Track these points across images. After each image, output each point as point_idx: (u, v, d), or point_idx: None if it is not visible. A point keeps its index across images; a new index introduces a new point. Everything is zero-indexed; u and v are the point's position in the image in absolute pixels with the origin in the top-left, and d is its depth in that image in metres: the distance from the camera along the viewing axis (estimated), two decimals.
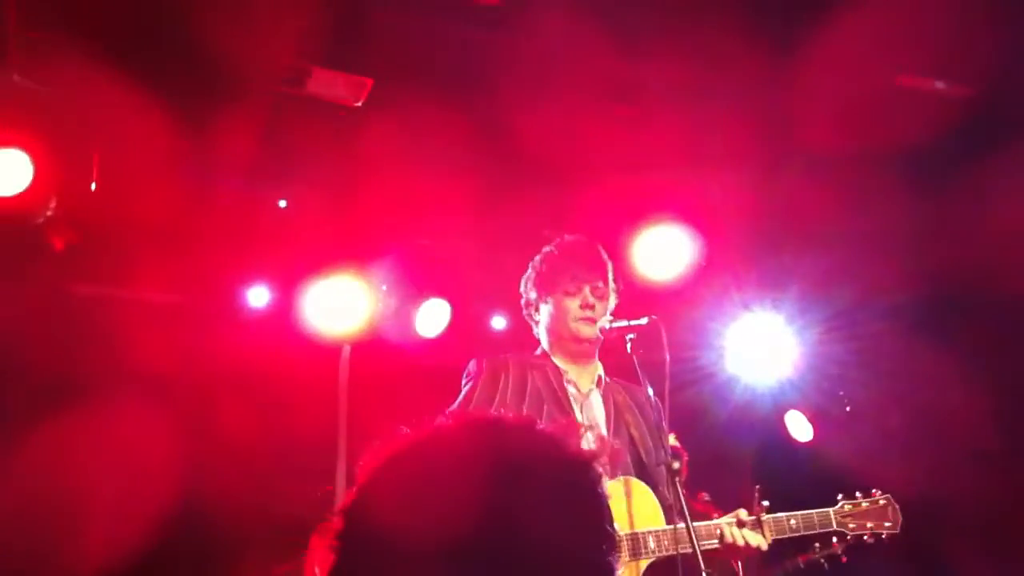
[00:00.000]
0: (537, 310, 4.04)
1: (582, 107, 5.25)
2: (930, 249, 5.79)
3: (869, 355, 6.36)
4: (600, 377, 4.00)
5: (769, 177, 5.83)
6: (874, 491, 4.00)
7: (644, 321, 3.72)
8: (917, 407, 6.29)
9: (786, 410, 6.89)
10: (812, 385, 6.70)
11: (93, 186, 5.09)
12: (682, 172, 5.79)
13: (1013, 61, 5.02)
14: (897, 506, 3.99)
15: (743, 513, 3.76)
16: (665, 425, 3.73)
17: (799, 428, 6.87)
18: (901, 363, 6.20)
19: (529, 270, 4.12)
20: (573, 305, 3.91)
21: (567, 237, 4.14)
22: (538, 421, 1.50)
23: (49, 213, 5.04)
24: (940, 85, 5.20)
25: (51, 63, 4.50)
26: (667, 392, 3.69)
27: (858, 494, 3.97)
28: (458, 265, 6.65)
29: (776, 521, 3.78)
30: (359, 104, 5.20)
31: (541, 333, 4.05)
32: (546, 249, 4.11)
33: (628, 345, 3.71)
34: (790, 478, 6.87)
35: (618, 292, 4.07)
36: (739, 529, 3.71)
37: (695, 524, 3.44)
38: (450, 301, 6.66)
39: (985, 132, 5.31)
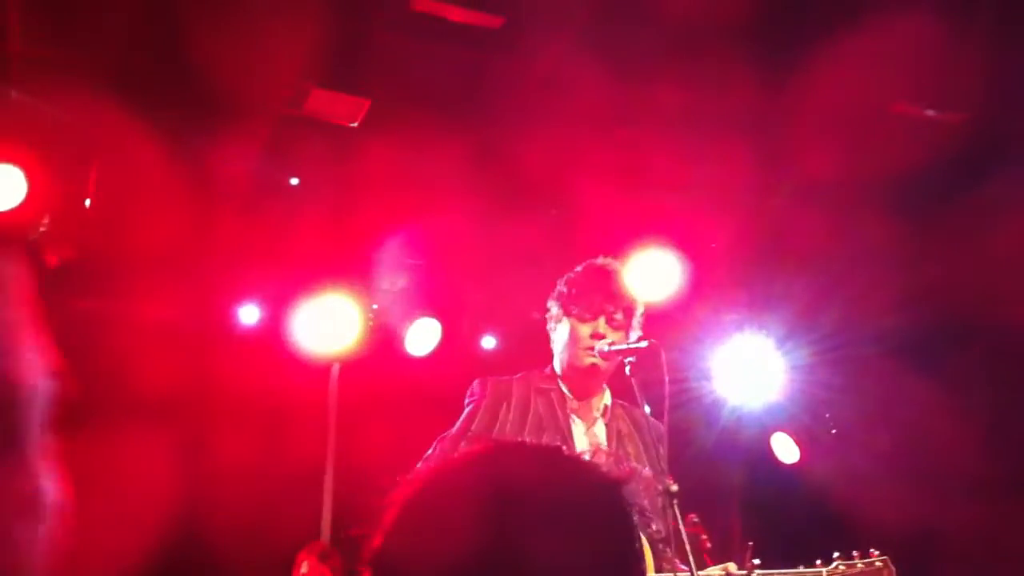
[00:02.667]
0: (556, 329, 3.95)
1: (578, 130, 5.27)
2: (919, 275, 5.85)
3: (856, 378, 6.41)
4: (606, 407, 3.93)
5: (762, 201, 5.88)
6: (872, 551, 3.86)
7: (643, 344, 3.66)
8: (903, 431, 6.33)
9: (773, 432, 6.94)
10: (799, 407, 6.75)
11: (88, 202, 5.09)
12: (675, 195, 5.83)
13: (1005, 88, 5.09)
14: (893, 569, 3.87)
15: (732, 567, 3.65)
16: (663, 450, 3.69)
17: (786, 450, 6.92)
18: (888, 387, 6.24)
19: (558, 285, 3.94)
20: (585, 331, 3.80)
21: (599, 260, 3.94)
22: (564, 449, 1.50)
23: (43, 229, 5.04)
24: (931, 113, 5.26)
25: (51, 81, 4.50)
26: (666, 415, 3.67)
27: (855, 553, 3.81)
28: (449, 284, 6.66)
29: None
30: (355, 124, 5.22)
31: (555, 352, 3.97)
32: (577, 268, 3.92)
33: (627, 368, 3.67)
34: (776, 499, 6.94)
35: (641, 325, 3.95)
36: None
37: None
38: (440, 320, 6.67)
39: (975, 159, 5.38)
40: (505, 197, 5.80)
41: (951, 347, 6.02)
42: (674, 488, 3.54)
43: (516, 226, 5.84)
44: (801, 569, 3.76)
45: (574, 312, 3.80)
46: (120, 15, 4.62)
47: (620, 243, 5.90)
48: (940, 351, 6.02)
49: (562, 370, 3.88)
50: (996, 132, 5.26)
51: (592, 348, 3.73)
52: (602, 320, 3.77)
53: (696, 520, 5.23)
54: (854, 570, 3.76)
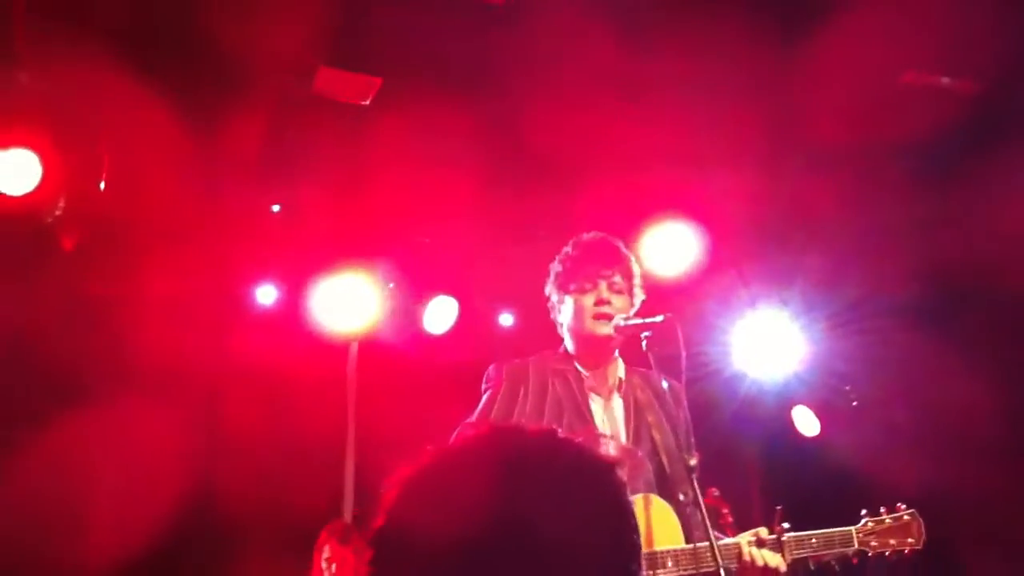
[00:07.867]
0: (559, 311, 3.95)
1: (588, 104, 5.23)
2: (935, 244, 5.80)
3: (875, 350, 6.36)
4: (621, 380, 3.92)
5: (775, 172, 5.83)
6: (899, 505, 3.84)
7: (660, 319, 3.64)
8: (923, 402, 6.29)
9: (793, 405, 6.90)
10: (819, 380, 6.70)
11: (102, 185, 5.09)
12: (688, 168, 5.79)
13: (1018, 56, 5.03)
14: (921, 521, 3.87)
15: (763, 531, 3.60)
16: (685, 413, 3.68)
17: (806, 423, 6.89)
18: (907, 358, 6.20)
19: (550, 271, 4.01)
20: (588, 302, 3.78)
21: (584, 235, 3.98)
22: (559, 431, 1.52)
23: (58, 213, 5.04)
24: (946, 81, 5.19)
25: (59, 61, 4.49)
26: (684, 389, 3.67)
27: (882, 510, 3.80)
28: (466, 262, 6.64)
29: (797, 540, 3.63)
30: (367, 103, 5.20)
31: (564, 334, 3.96)
32: (565, 249, 3.99)
33: (643, 343, 3.67)
34: (797, 473, 6.91)
35: (644, 288, 3.96)
36: (758, 549, 3.61)
37: (714, 543, 3.37)
38: (457, 298, 6.66)
39: (990, 127, 5.33)
40: (518, 173, 5.77)
41: (968, 315, 5.98)
42: (693, 462, 3.55)
43: (530, 202, 5.80)
44: (831, 529, 3.77)
45: (573, 287, 3.83)
46: None
47: (634, 217, 5.89)
48: (957, 320, 5.99)
49: (574, 348, 3.89)
50: (1010, 100, 5.19)
51: (600, 316, 3.75)
52: (603, 286, 3.80)
53: (717, 494, 5.23)
54: (883, 525, 3.78)
